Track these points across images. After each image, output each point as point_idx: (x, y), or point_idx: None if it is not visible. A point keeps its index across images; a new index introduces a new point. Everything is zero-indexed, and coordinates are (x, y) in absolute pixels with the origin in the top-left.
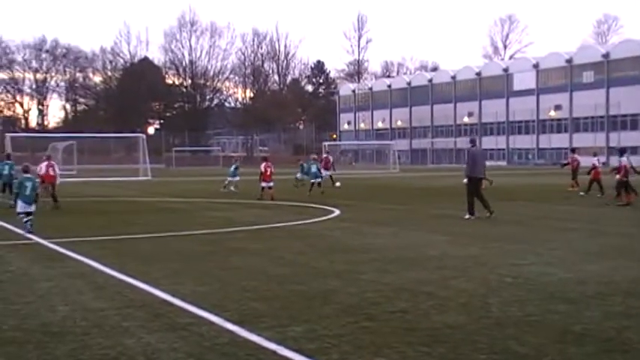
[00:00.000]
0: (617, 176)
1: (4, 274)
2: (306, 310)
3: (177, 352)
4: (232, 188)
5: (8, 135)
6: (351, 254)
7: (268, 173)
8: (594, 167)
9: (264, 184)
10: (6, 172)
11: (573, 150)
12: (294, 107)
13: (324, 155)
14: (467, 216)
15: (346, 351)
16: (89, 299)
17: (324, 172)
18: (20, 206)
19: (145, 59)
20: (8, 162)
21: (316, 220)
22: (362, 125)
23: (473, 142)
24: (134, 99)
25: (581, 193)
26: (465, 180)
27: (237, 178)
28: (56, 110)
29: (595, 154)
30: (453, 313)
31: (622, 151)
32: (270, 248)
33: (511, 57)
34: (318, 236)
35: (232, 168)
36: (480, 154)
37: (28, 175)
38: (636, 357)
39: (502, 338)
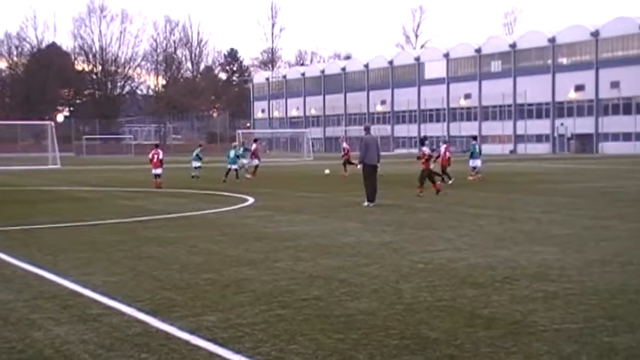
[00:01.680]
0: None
1: None
2: (219, 299)
3: (87, 344)
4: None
5: None
6: (265, 242)
7: (155, 160)
8: (439, 155)
9: (154, 172)
10: None
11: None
12: (208, 95)
13: (254, 144)
14: (365, 203)
15: (260, 339)
16: None
17: (255, 161)
18: None
19: (53, 45)
20: None
21: (230, 208)
22: (276, 113)
23: (367, 129)
24: (42, 86)
25: (449, 182)
26: (359, 166)
27: (198, 164)
28: None
29: (445, 142)
30: (365, 300)
31: (422, 141)
32: (183, 237)
33: (422, 46)
34: (232, 224)
35: (194, 154)
36: (372, 141)
37: None
38: (541, 338)
39: (413, 323)
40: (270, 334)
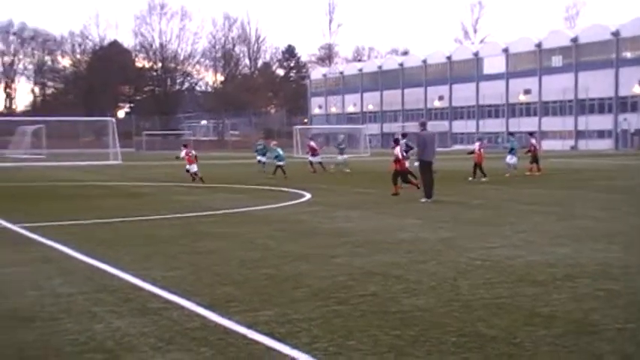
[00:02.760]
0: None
1: None
2: (277, 294)
3: (147, 337)
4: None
5: None
6: (321, 238)
7: (189, 157)
8: (472, 151)
9: (188, 167)
10: None
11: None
12: (265, 91)
13: (311, 142)
14: (423, 199)
15: (316, 335)
16: (58, 284)
17: (314, 159)
18: None
19: (115, 42)
20: None
21: (287, 204)
22: (333, 109)
23: (423, 125)
24: (104, 82)
25: (470, 179)
26: (416, 163)
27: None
28: (24, 94)
29: (479, 139)
30: (423, 296)
31: (397, 140)
32: (241, 232)
33: (481, 41)
34: (289, 220)
35: (278, 151)
36: (430, 137)
37: None
38: (603, 338)
39: (471, 321)
40: (327, 329)
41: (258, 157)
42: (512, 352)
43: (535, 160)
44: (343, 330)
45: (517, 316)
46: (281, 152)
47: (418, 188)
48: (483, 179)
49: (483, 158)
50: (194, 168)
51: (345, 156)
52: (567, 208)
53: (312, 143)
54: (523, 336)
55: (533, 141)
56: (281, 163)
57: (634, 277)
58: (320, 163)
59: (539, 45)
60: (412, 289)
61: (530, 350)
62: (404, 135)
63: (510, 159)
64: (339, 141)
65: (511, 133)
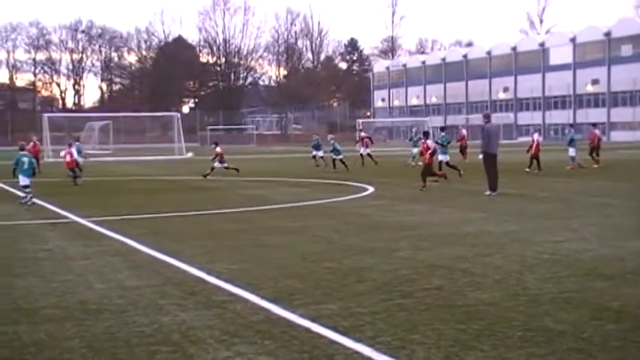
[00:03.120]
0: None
1: (42, 252)
2: (340, 287)
3: (212, 330)
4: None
5: (45, 115)
6: (385, 231)
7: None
8: (532, 144)
9: (217, 165)
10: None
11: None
12: (328, 85)
13: (363, 134)
14: (487, 192)
15: (381, 328)
16: (125, 277)
17: (363, 150)
18: (22, 180)
19: (179, 38)
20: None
21: (350, 197)
22: (396, 102)
23: (487, 117)
24: (169, 78)
25: (527, 170)
26: (480, 156)
27: (321, 154)
28: (92, 90)
29: (537, 131)
30: (488, 290)
31: (426, 134)
32: (304, 226)
33: (547, 31)
34: (352, 214)
35: (335, 145)
36: (493, 129)
37: (24, 152)
38: None
39: (538, 315)
40: (391, 323)
41: (314, 152)
42: (580, 346)
43: (594, 151)
44: (407, 324)
45: (585, 310)
46: (338, 146)
47: (445, 178)
48: (537, 172)
49: (540, 150)
50: (217, 164)
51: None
52: (638, 202)
53: (364, 134)
54: (591, 331)
55: (597, 132)
56: (339, 156)
57: None
58: (369, 155)
59: (607, 34)
60: (477, 283)
61: (599, 345)
62: (442, 129)
63: (572, 152)
64: (413, 134)
65: (571, 125)
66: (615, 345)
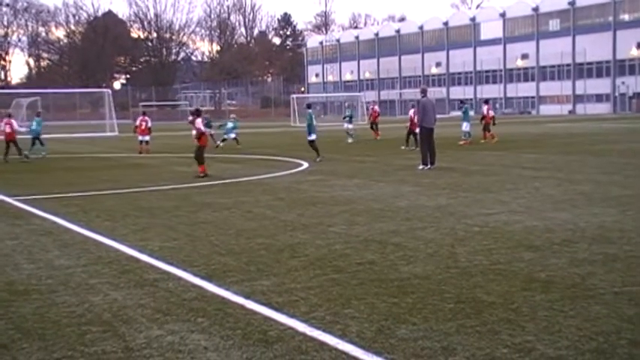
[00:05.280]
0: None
1: None
2: (274, 263)
3: (144, 309)
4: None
5: None
6: (319, 207)
7: (143, 127)
8: (484, 116)
9: (140, 138)
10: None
11: (486, 102)
12: (262, 60)
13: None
14: (420, 166)
15: (315, 303)
16: (55, 257)
17: (348, 126)
18: None
19: (109, 13)
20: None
21: (285, 173)
22: (330, 77)
23: (424, 92)
24: (99, 53)
25: (482, 141)
26: (417, 130)
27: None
28: (19, 66)
29: (486, 102)
30: (420, 264)
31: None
32: (238, 202)
33: (478, 6)
34: (287, 189)
35: (230, 124)
36: (429, 104)
37: None
38: (599, 302)
39: (469, 287)
40: (325, 298)
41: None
42: (509, 317)
43: (487, 127)
44: (340, 298)
45: (515, 281)
46: (231, 125)
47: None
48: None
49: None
50: (147, 138)
51: (351, 125)
52: (566, 173)
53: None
54: (520, 301)
55: (485, 109)
56: (232, 135)
57: (632, 240)
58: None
59: (536, 9)
60: (410, 257)
61: (528, 315)
62: (308, 106)
63: (466, 126)
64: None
65: (462, 102)
66: (543, 314)
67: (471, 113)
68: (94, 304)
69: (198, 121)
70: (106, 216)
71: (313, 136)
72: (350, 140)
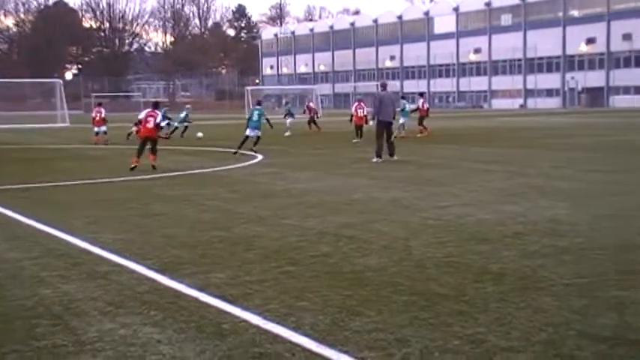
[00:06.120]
0: None
1: None
2: (228, 256)
3: (96, 301)
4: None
5: None
6: (273, 199)
7: (97, 118)
8: (418, 108)
9: (96, 129)
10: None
11: (422, 94)
12: (216, 52)
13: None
14: (374, 159)
15: (269, 296)
16: (4, 249)
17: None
18: None
19: (60, 1)
20: None
21: (239, 165)
22: (285, 70)
23: (383, 86)
24: (50, 43)
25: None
26: (371, 122)
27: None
28: None
29: (421, 94)
30: (374, 256)
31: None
32: (192, 194)
33: (432, 0)
34: (241, 182)
35: (182, 114)
36: (388, 97)
37: None
38: (549, 294)
39: (422, 280)
40: (279, 290)
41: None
42: (462, 309)
43: (422, 121)
44: (295, 291)
45: (467, 274)
46: (182, 115)
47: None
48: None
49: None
50: (103, 129)
51: (290, 119)
52: (518, 166)
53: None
54: (473, 293)
55: (421, 102)
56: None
57: (581, 233)
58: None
59: (488, 4)
60: (364, 249)
61: (480, 307)
62: (258, 102)
63: (402, 119)
64: (285, 104)
65: (403, 97)
66: (495, 306)
67: (409, 107)
68: (45, 297)
69: (157, 113)
70: (57, 208)
71: (249, 132)
72: (287, 133)
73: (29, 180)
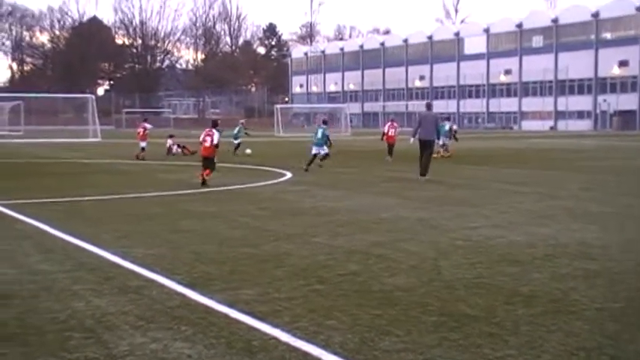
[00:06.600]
0: None
1: None
2: (257, 273)
3: (127, 316)
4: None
5: None
6: (303, 217)
7: (141, 133)
8: (385, 133)
9: (143, 144)
10: None
11: (448, 118)
12: (246, 70)
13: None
14: (418, 177)
15: (298, 314)
16: (37, 262)
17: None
18: None
19: (95, 19)
20: None
21: (268, 183)
22: (314, 88)
23: (428, 106)
24: (83, 59)
25: (387, 158)
26: (411, 140)
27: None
28: (2, 70)
29: (391, 120)
30: (403, 276)
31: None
32: (222, 211)
33: (462, 21)
34: (271, 199)
35: (236, 130)
36: (428, 117)
37: None
38: (581, 317)
39: (452, 300)
40: (308, 308)
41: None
42: (492, 331)
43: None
44: (324, 309)
45: (497, 295)
46: (235, 131)
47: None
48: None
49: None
50: (142, 144)
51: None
52: (548, 188)
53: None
54: (503, 315)
55: (448, 125)
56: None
57: (613, 257)
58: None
59: (519, 25)
60: (393, 269)
61: (510, 329)
62: (325, 122)
63: (442, 139)
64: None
65: (448, 118)
66: (525, 329)
67: (448, 127)
68: (77, 310)
69: (214, 132)
70: (89, 222)
71: (315, 150)
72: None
73: (62, 194)
